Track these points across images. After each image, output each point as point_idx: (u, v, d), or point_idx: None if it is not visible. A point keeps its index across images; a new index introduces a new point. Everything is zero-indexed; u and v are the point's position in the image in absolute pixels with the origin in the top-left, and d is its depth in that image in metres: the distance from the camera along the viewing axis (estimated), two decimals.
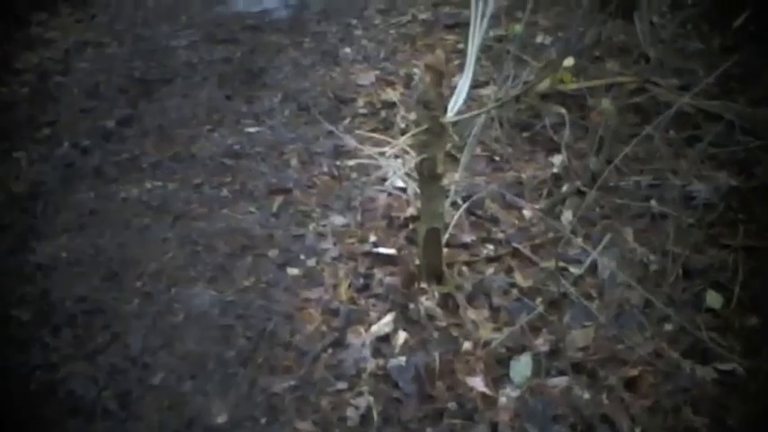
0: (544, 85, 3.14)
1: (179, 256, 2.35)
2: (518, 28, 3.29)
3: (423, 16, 4.08)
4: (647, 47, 3.40)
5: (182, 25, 4.18)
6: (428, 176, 1.93)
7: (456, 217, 2.27)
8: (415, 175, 2.10)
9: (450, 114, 1.85)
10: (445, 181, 1.98)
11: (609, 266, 2.26)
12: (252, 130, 3.07)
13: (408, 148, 1.95)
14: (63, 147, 2.97)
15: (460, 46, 3.70)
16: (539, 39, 3.79)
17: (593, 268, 2.28)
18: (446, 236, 2.21)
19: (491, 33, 3.83)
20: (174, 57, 3.77)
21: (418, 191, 2.10)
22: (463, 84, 1.91)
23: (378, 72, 3.48)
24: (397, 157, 2.68)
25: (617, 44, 3.59)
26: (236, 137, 3.01)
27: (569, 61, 3.16)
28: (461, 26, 3.96)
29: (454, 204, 2.46)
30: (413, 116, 1.90)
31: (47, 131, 3.08)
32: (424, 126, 1.81)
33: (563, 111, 2.98)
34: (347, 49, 3.74)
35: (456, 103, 1.87)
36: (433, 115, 1.81)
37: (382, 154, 2.46)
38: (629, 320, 2.08)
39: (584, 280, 2.24)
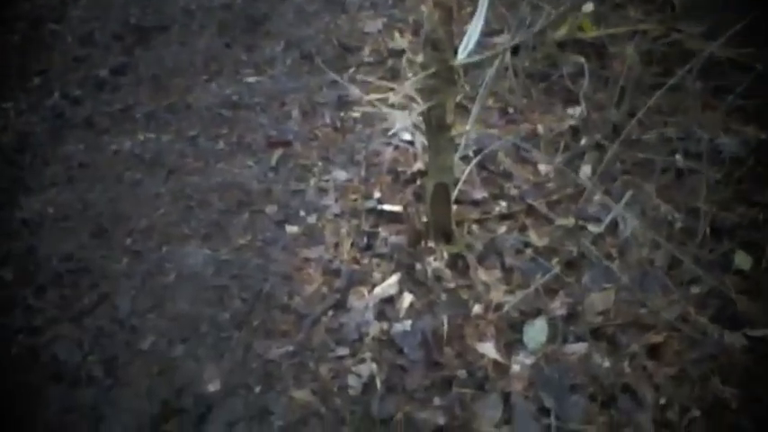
0: (561, 32, 2.95)
1: (172, 213, 2.22)
2: None
3: None
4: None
5: None
6: (436, 127, 1.77)
7: (466, 172, 2.11)
8: (422, 126, 1.94)
9: (461, 57, 1.68)
10: (455, 132, 1.82)
11: (631, 224, 2.11)
12: (251, 79, 2.91)
13: (415, 95, 1.78)
14: (53, 97, 2.82)
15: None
16: None
17: (614, 226, 2.12)
18: (455, 192, 2.06)
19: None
20: (171, 3, 3.57)
21: (426, 143, 1.94)
22: (476, 22, 1.73)
23: (385, 19, 3.28)
24: (404, 107, 2.55)
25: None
26: (234, 87, 2.85)
27: (588, 7, 2.96)
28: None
29: (465, 158, 2.30)
30: (420, 59, 1.71)
31: (37, 81, 2.93)
32: (432, 70, 1.64)
33: (582, 60, 2.79)
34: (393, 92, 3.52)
35: (468, 45, 1.70)
36: (442, 57, 1.64)
37: (388, 103, 2.34)
38: (653, 282, 1.93)
39: (603, 239, 2.09)
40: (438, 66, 1.65)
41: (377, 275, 1.96)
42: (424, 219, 2.08)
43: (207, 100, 2.76)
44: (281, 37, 3.21)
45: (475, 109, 2.06)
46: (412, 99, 1.80)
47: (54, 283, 1.99)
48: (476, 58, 1.70)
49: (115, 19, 3.42)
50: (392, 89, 1.69)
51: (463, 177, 2.11)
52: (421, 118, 1.82)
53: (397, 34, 3.12)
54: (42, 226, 2.19)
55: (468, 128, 2.08)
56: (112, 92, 2.85)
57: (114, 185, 2.34)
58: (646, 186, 2.29)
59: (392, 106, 2.46)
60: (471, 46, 1.69)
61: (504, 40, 3.03)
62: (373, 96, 2.21)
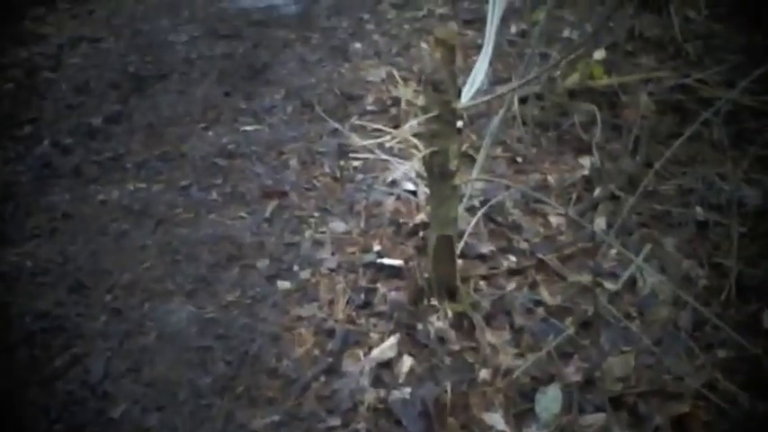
0: (572, 80, 2.84)
1: (157, 267, 2.07)
2: (541, 16, 2.99)
3: (440, 11, 3.79)
4: (683, 41, 3.10)
5: (183, 20, 3.92)
6: (439, 174, 1.63)
7: (472, 224, 1.97)
8: (425, 174, 1.80)
9: (465, 100, 1.55)
10: (458, 181, 1.68)
11: (650, 281, 1.95)
12: (249, 128, 2.79)
13: (416, 141, 1.65)
14: (42, 145, 2.71)
15: (480, 42, 3.41)
16: (565, 33, 3.48)
17: (632, 283, 1.96)
18: (460, 245, 1.91)
19: (513, 28, 3.57)
20: (171, 52, 3.51)
21: (429, 193, 1.80)
22: (481, 62, 1.61)
23: (389, 68, 3.18)
24: (406, 156, 2.42)
25: (651, 39, 3.28)
26: (231, 135, 2.74)
27: (600, 54, 2.86)
28: (481, 22, 3.67)
29: (470, 210, 2.16)
30: (421, 102, 1.58)
31: (28, 129, 2.83)
32: (434, 113, 1.51)
33: (593, 108, 2.67)
34: (357, 45, 3.45)
35: (472, 86, 1.57)
36: (444, 100, 1.51)
37: (386, 148, 2.21)
38: (676, 345, 1.76)
39: (621, 297, 1.93)
40: (440, 108, 1.52)
41: (374, 336, 1.79)
42: (427, 274, 1.93)
43: (202, 149, 2.65)
44: (282, 85, 3.11)
45: (480, 156, 1.92)
46: (414, 146, 1.66)
47: (25, 342, 1.84)
48: (480, 101, 1.57)
49: (112, 67, 3.34)
50: (391, 134, 1.55)
51: (468, 229, 1.96)
52: (423, 166, 1.68)
53: (400, 83, 3.02)
54: (18, 280, 2.05)
55: (473, 176, 1.94)
56: (104, 140, 2.74)
57: (98, 237, 2.20)
58: (665, 240, 2.14)
59: (393, 154, 2.34)
60: (476, 88, 1.56)
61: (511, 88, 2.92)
62: (373, 142, 2.09)
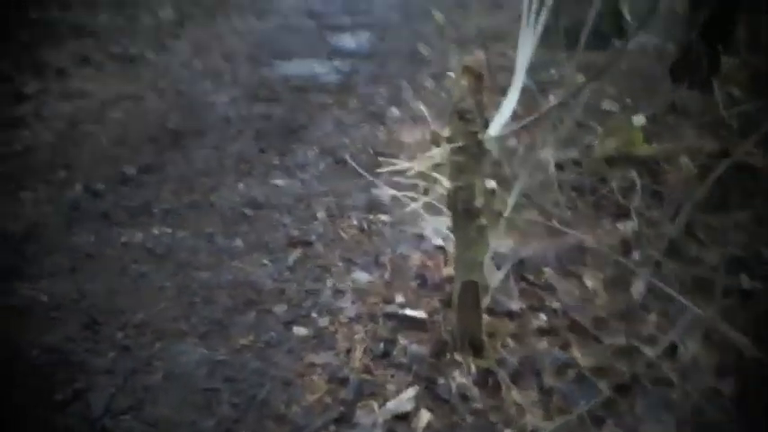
0: (610, 146, 2.78)
1: (172, 308, 2.00)
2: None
3: None
4: (727, 116, 3.03)
5: (225, 84, 4.00)
6: (463, 212, 1.55)
7: (499, 275, 1.87)
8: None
9: (493, 131, 1.49)
10: (493, 242, 1.60)
11: (691, 349, 1.81)
12: (280, 182, 2.77)
13: (438, 176, 1.59)
14: (74, 189, 2.71)
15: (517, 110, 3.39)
16: (605, 106, 3.45)
17: (672, 350, 1.82)
18: (487, 299, 1.81)
19: (552, 98, 3.54)
20: (211, 111, 3.55)
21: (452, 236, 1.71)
22: (512, 95, 1.56)
23: (425, 132, 3.16)
24: (437, 213, 2.35)
25: (692, 112, 3.22)
26: (261, 188, 2.71)
27: (640, 120, 2.80)
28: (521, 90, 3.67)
29: (502, 268, 2.07)
30: (447, 131, 1.52)
31: (62, 174, 2.84)
32: (458, 143, 1.45)
33: (633, 174, 2.59)
34: (394, 109, 3.45)
35: (501, 117, 1.51)
36: (470, 130, 1.45)
37: (418, 205, 2.14)
38: (718, 416, 1.60)
39: (660, 363, 1.78)
40: (466, 139, 1.46)
41: (391, 388, 1.68)
42: (450, 327, 1.82)
43: (231, 199, 2.62)
44: (317, 144, 3.11)
45: (511, 199, 1.83)
46: (433, 179, 1.60)
47: (29, 374, 1.76)
48: (508, 130, 1.51)
49: (152, 123, 3.39)
50: (411, 165, 1.49)
51: (496, 281, 1.87)
52: (447, 203, 1.60)
53: (434, 146, 2.98)
54: (31, 314, 1.99)
55: (501, 226, 1.85)
56: (135, 188, 2.73)
57: (116, 277, 2.15)
58: (707, 309, 2.00)
59: (424, 209, 2.27)
60: (506, 116, 1.51)
61: (548, 154, 2.86)
62: (401, 194, 2.03)
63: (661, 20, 4.92)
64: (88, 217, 2.51)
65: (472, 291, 1.66)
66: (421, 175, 2.73)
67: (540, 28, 1.65)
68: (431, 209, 2.35)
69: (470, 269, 1.64)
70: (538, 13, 1.69)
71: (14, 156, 3.02)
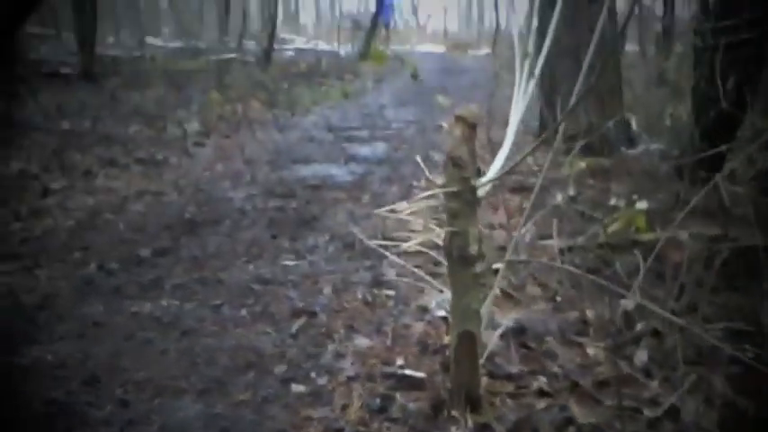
0: (614, 232, 2.84)
1: (174, 369, 2.01)
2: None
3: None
4: (732, 209, 3.09)
5: (243, 183, 4.16)
6: (458, 259, 1.60)
7: (497, 334, 1.88)
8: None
9: (486, 178, 1.56)
10: (480, 268, 1.63)
11: (694, 411, 1.78)
12: (289, 263, 2.83)
13: (436, 227, 1.65)
14: (89, 267, 2.79)
15: (525, 205, 3.49)
16: (612, 201, 3.53)
17: (674, 412, 1.79)
18: (485, 352, 1.81)
19: (559, 197, 3.63)
20: (228, 204, 3.69)
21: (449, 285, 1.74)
22: (506, 145, 1.64)
23: (435, 221, 3.23)
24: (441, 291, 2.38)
25: (698, 206, 3.28)
26: (270, 268, 2.77)
27: (642, 205, 2.87)
28: (527, 190, 3.78)
29: (503, 337, 2.08)
30: (441, 179, 1.60)
31: (78, 255, 2.93)
32: (452, 188, 1.52)
33: (637, 256, 2.62)
34: (405, 203, 3.54)
35: (494, 168, 1.59)
36: (464, 176, 1.52)
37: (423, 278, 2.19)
38: None
39: (661, 424, 1.75)
40: (459, 185, 1.53)
41: None
42: (449, 384, 1.81)
43: (240, 277, 2.68)
44: (327, 232, 3.20)
45: (499, 277, 1.87)
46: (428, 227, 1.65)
47: (28, 423, 1.77)
48: (499, 175, 1.58)
49: (170, 214, 3.51)
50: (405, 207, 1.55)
51: (493, 340, 1.87)
52: (443, 251, 1.65)
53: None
54: (36, 372, 2.01)
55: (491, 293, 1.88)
56: (149, 268, 2.80)
57: (122, 342, 2.18)
58: (712, 378, 1.98)
59: (429, 283, 2.31)
60: (499, 165, 1.58)
61: (554, 242, 2.92)
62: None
63: (667, 128, 5.11)
64: (100, 291, 2.58)
65: (468, 341, 1.67)
66: (428, 258, 2.80)
67: (529, 92, 1.75)
68: (434, 291, 2.41)
69: (466, 318, 1.66)
70: (527, 81, 1.80)
71: (34, 239, 3.13)
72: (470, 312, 1.65)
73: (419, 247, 2.88)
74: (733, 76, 3.34)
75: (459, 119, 1.52)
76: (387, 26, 19.02)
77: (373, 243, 2.28)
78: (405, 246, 1.85)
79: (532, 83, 1.75)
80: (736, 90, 3.32)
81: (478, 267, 1.62)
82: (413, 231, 3.13)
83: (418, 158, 2.01)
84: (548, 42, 1.76)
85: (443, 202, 1.61)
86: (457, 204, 1.55)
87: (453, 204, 1.55)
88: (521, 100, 1.70)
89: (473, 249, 1.58)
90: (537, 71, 1.75)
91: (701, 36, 3.59)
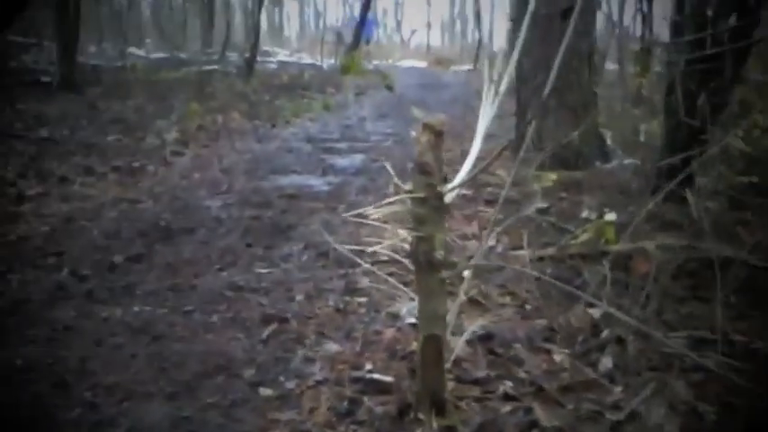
0: (583, 240, 2.88)
1: (143, 372, 2.02)
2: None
3: (463, 192, 3.95)
4: (701, 222, 3.15)
5: (220, 192, 4.17)
6: (425, 264, 1.63)
7: (461, 340, 1.91)
8: None
9: (452, 184, 1.59)
10: (446, 274, 1.66)
11: (656, 414, 1.81)
12: (263, 270, 2.85)
13: (404, 232, 1.68)
14: (62, 273, 2.78)
15: (499, 217, 3.53)
16: (584, 214, 3.59)
17: (636, 416, 1.83)
18: (451, 357, 1.84)
19: (532, 208, 3.68)
20: (203, 212, 3.69)
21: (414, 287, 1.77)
22: (473, 151, 1.67)
23: (407, 228, 3.26)
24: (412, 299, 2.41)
25: (668, 220, 3.34)
26: (244, 275, 2.79)
27: (611, 216, 2.92)
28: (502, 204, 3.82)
29: (471, 343, 2.12)
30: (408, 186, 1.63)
31: (51, 260, 2.93)
32: (419, 193, 1.55)
33: (605, 266, 2.67)
34: (371, 208, 3.57)
35: (463, 172, 1.62)
36: (430, 182, 1.55)
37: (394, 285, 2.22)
38: None
39: (623, 427, 1.78)
40: (426, 191, 1.56)
41: None
42: (415, 389, 1.83)
43: (213, 284, 2.69)
44: (302, 241, 3.22)
45: (463, 287, 1.90)
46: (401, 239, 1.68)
47: None
48: (465, 182, 1.61)
49: (145, 221, 3.52)
50: (374, 211, 1.58)
51: (459, 347, 1.90)
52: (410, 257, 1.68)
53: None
54: (3, 376, 2.01)
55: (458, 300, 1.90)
56: (122, 274, 2.81)
57: (92, 347, 2.19)
58: (675, 384, 2.02)
59: (400, 289, 2.34)
60: (466, 170, 1.62)
61: (525, 253, 2.96)
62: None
63: (641, 143, 5.18)
64: (71, 296, 2.58)
65: (434, 344, 1.69)
66: (401, 267, 2.83)
67: (496, 102, 1.79)
68: (405, 299, 2.44)
69: (432, 322, 1.69)
70: (495, 92, 1.84)
71: (8, 244, 3.12)
72: (437, 317, 1.68)
73: (393, 256, 2.92)
74: (703, 91, 3.41)
75: (427, 126, 1.56)
76: (368, 41, 19.14)
77: (345, 248, 2.30)
78: (372, 249, 1.86)
79: (501, 92, 1.79)
80: (705, 105, 3.39)
81: (444, 273, 1.65)
82: (385, 239, 3.17)
83: (387, 165, 2.00)
84: (515, 56, 1.80)
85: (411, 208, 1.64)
86: (424, 210, 1.58)
87: (420, 210, 1.58)
88: (488, 110, 1.74)
89: (440, 255, 1.61)
90: (503, 84, 1.79)
91: (673, 52, 3.68)
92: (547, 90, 1.83)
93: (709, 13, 3.33)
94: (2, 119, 6.39)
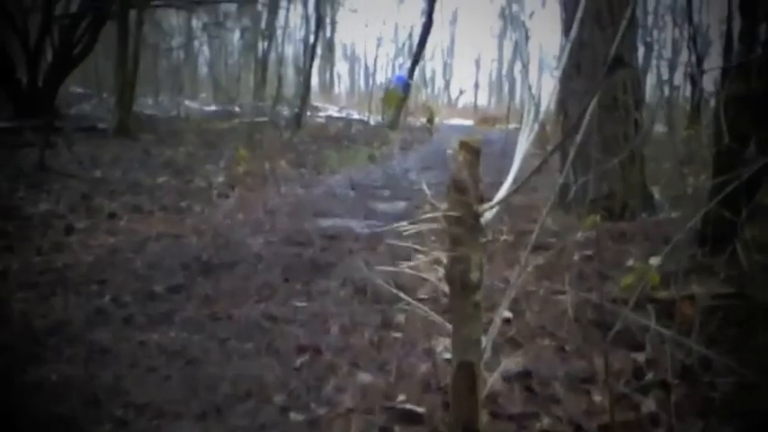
0: (627, 285, 2.81)
1: (175, 393, 2.02)
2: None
3: (504, 238, 3.92)
4: (749, 272, 3.06)
5: (263, 232, 4.21)
6: (460, 286, 1.60)
7: (495, 375, 1.85)
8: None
9: (489, 204, 1.58)
10: (479, 297, 1.63)
11: None
12: (300, 304, 2.84)
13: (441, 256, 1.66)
14: (103, 299, 2.82)
15: (541, 263, 3.49)
16: (629, 263, 3.51)
17: None
18: (486, 390, 1.78)
19: (576, 256, 3.63)
20: (245, 249, 3.72)
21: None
22: (509, 178, 1.66)
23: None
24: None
25: (713, 268, 3.25)
26: (280, 308, 2.78)
27: (655, 260, 2.84)
28: (546, 249, 3.77)
29: (508, 380, 2.07)
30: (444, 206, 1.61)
31: (94, 288, 2.98)
32: (455, 212, 1.53)
33: (650, 312, 2.59)
34: (421, 255, 3.55)
35: (501, 191, 1.61)
36: (466, 201, 1.54)
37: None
38: None
39: None
40: (461, 211, 1.55)
41: None
42: (448, 420, 1.78)
43: (250, 315, 2.69)
44: (340, 278, 3.20)
45: (495, 321, 1.84)
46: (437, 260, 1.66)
47: None
48: (502, 201, 1.59)
49: (187, 255, 3.56)
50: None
51: (492, 379, 1.85)
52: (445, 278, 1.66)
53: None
54: (40, 390, 2.02)
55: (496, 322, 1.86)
56: (161, 302, 2.83)
57: (126, 368, 2.19)
58: (722, 429, 1.93)
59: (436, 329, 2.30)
60: (504, 190, 1.60)
61: (567, 297, 2.90)
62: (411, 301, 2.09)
63: (689, 197, 5.09)
64: (111, 321, 2.60)
65: (468, 372, 1.65)
66: (437, 306, 2.80)
67: (533, 133, 1.78)
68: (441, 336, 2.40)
69: (466, 348, 1.65)
70: (533, 122, 1.84)
71: (53, 271, 3.19)
72: (471, 342, 1.64)
73: (432, 294, 2.90)
74: (754, 141, 3.35)
75: (463, 145, 1.55)
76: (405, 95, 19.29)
77: (381, 269, 2.28)
78: (407, 265, 1.83)
79: (534, 129, 1.79)
80: (755, 154, 3.32)
81: (479, 295, 1.62)
82: (425, 281, 3.14)
83: (424, 185, 2.00)
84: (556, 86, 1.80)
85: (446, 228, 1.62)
86: (459, 229, 1.56)
87: (455, 229, 1.56)
88: (525, 140, 1.74)
89: (475, 276, 1.59)
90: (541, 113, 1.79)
91: (722, 102, 3.63)
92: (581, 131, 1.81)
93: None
94: (58, 160, 6.60)
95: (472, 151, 1.55)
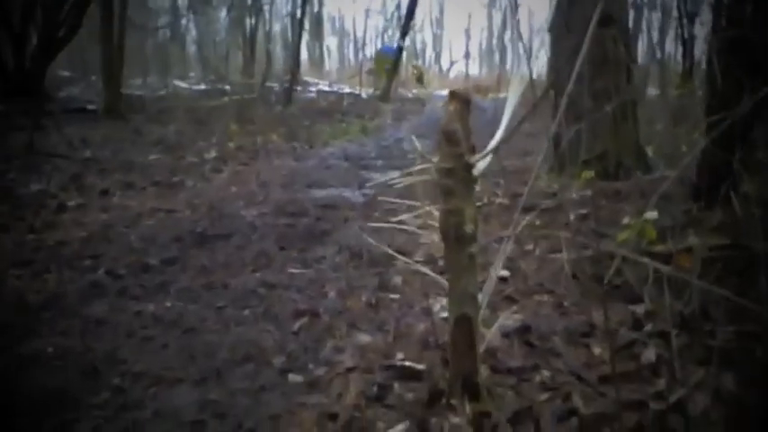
0: (624, 239, 2.80)
1: (172, 361, 2.00)
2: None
3: (500, 201, 3.90)
4: (745, 224, 3.04)
5: (256, 203, 4.18)
6: (454, 239, 1.58)
7: (493, 329, 1.84)
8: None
9: (481, 154, 1.55)
10: (475, 249, 1.61)
11: (702, 403, 1.72)
12: (296, 271, 2.82)
13: (432, 209, 1.63)
14: (97, 273, 2.80)
15: (537, 223, 3.48)
16: (624, 220, 3.50)
17: (681, 406, 1.73)
18: (483, 345, 1.77)
19: (572, 215, 3.62)
20: (239, 220, 3.70)
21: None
22: (500, 128, 1.63)
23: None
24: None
25: (711, 223, 3.24)
26: (277, 275, 2.76)
27: (652, 214, 2.83)
28: (541, 211, 3.75)
29: (507, 336, 2.06)
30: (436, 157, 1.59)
31: (88, 262, 2.95)
32: (446, 164, 1.51)
33: (647, 265, 2.58)
34: (416, 219, 3.53)
35: (493, 142, 1.58)
36: (458, 152, 1.51)
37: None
38: None
39: (668, 417, 1.70)
40: (454, 162, 1.52)
41: (381, 425, 1.62)
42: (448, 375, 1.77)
43: (246, 283, 2.68)
44: (336, 244, 3.19)
45: (494, 269, 1.83)
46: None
47: (25, 406, 1.76)
48: (490, 151, 1.57)
49: (182, 228, 3.53)
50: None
51: (491, 333, 1.84)
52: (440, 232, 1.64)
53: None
54: (36, 362, 2.01)
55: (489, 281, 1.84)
56: (156, 274, 2.81)
57: (123, 338, 2.18)
58: (723, 376, 1.92)
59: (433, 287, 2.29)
60: (497, 140, 1.57)
61: (563, 255, 2.89)
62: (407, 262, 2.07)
63: (683, 155, 5.06)
64: (105, 293, 2.58)
65: (466, 325, 1.64)
66: (434, 267, 2.78)
67: (525, 78, 1.75)
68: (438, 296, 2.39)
69: (463, 301, 1.63)
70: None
71: (47, 248, 3.16)
72: (467, 295, 1.63)
73: (428, 257, 2.87)
74: (746, 90, 3.32)
75: (453, 95, 1.52)
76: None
77: (374, 225, 2.25)
78: (397, 219, 1.81)
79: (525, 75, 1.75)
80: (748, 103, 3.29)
81: (474, 248, 1.60)
82: (423, 244, 3.13)
83: (413, 137, 1.97)
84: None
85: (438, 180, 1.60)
86: (451, 181, 1.53)
87: (448, 182, 1.54)
88: (516, 86, 1.71)
89: (469, 228, 1.56)
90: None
91: (714, 54, 3.59)
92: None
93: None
94: (48, 142, 6.53)
95: (462, 101, 1.52)
